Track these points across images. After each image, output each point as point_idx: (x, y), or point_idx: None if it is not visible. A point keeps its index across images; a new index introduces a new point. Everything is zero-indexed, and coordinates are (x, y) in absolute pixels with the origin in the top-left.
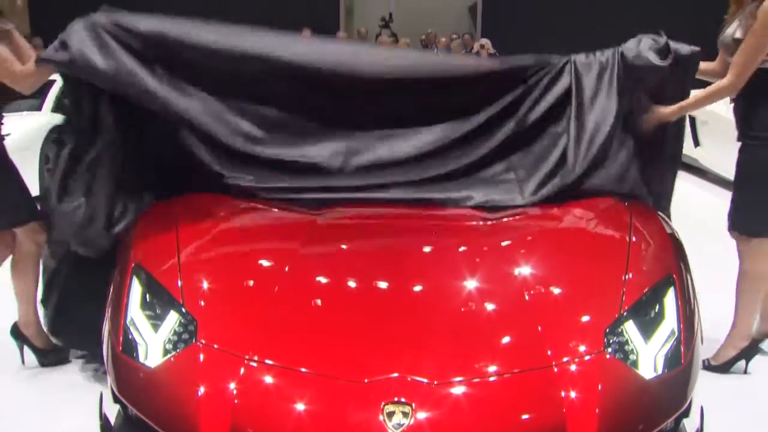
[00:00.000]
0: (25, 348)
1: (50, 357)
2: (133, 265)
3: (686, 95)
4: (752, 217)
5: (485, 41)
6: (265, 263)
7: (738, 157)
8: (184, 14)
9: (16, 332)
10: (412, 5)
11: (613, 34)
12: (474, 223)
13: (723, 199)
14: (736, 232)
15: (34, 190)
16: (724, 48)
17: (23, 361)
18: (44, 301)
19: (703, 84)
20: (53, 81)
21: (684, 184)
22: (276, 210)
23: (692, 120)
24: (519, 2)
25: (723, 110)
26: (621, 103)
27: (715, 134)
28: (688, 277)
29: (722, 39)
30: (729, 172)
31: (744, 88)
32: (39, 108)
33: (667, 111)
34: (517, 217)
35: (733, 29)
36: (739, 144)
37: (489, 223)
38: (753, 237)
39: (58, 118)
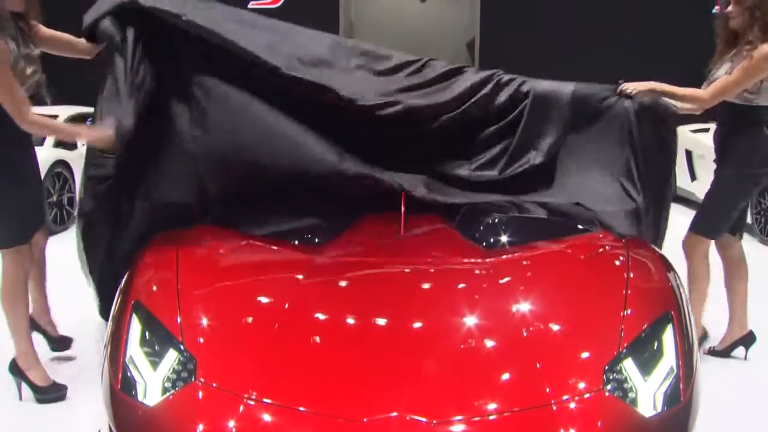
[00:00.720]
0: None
1: (48, 393)
2: (132, 302)
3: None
4: (710, 224)
5: None
6: (264, 300)
7: (714, 177)
8: None
9: (15, 369)
10: (410, 41)
11: (611, 70)
12: (472, 259)
13: None
14: (695, 233)
15: None
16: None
17: (20, 397)
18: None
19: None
20: (56, 116)
21: (681, 218)
22: (275, 247)
23: (689, 154)
24: (516, 38)
25: None
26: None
27: (711, 168)
28: (687, 313)
29: (713, 77)
30: None
31: (723, 121)
32: (41, 143)
33: (642, 85)
34: (515, 254)
35: (726, 69)
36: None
37: (488, 260)
38: (704, 237)
39: (60, 153)
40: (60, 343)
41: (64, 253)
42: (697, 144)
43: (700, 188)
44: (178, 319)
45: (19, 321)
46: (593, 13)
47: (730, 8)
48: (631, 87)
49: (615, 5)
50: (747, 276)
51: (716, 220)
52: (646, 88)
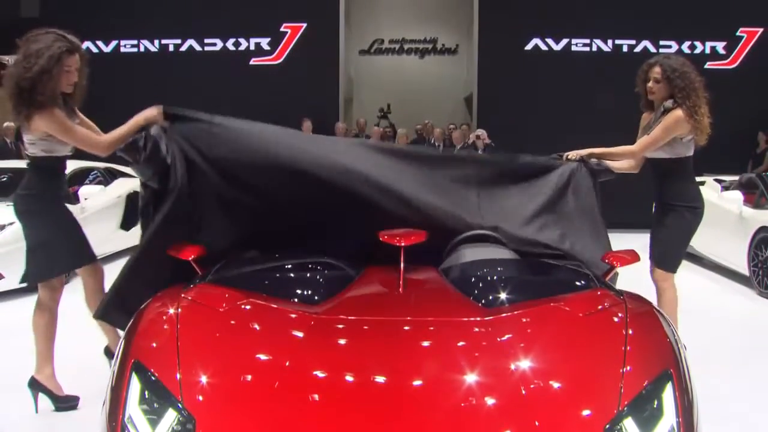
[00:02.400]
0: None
1: (64, 403)
2: (132, 360)
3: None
4: (665, 260)
5: (481, 132)
6: (264, 359)
7: (654, 216)
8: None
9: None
10: (409, 96)
11: (603, 122)
12: (471, 318)
13: (719, 285)
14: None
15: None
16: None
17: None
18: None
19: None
20: None
21: (679, 271)
22: (275, 305)
23: None
24: (514, 93)
25: (714, 197)
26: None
27: (708, 221)
28: (686, 370)
29: (641, 135)
30: (724, 257)
31: (660, 173)
32: None
33: (583, 152)
34: (513, 311)
35: (650, 128)
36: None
37: (486, 317)
38: (659, 269)
39: None
40: (64, 402)
41: (64, 306)
42: None
43: (697, 241)
44: (178, 378)
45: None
46: (587, 72)
47: (650, 84)
48: (572, 154)
49: (609, 64)
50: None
51: (678, 253)
52: (586, 153)
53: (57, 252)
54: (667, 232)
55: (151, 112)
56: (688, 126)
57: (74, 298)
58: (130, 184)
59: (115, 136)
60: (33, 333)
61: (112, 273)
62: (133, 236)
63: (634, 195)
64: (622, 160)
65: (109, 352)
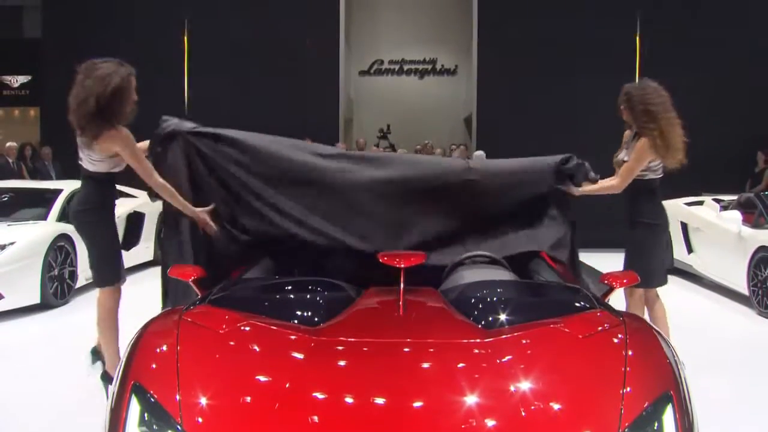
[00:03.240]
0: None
1: None
2: (132, 383)
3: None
4: (649, 274)
5: (480, 153)
6: (264, 382)
7: (628, 233)
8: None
9: (106, 377)
10: (408, 116)
11: (599, 142)
12: (471, 340)
13: (719, 304)
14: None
15: (35, 295)
16: (618, 166)
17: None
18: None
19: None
20: (60, 190)
21: (679, 290)
22: (275, 327)
23: (684, 226)
24: (513, 114)
25: (713, 217)
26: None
27: (707, 240)
28: (686, 391)
29: (616, 161)
30: (724, 277)
31: (628, 191)
32: (44, 217)
33: (574, 191)
34: (513, 333)
35: (622, 155)
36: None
37: (486, 339)
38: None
39: (63, 227)
40: None
41: (64, 327)
42: (692, 217)
43: (697, 261)
44: (178, 399)
45: (111, 340)
46: (584, 91)
47: (621, 108)
48: (574, 191)
49: (606, 86)
50: (644, 313)
51: (652, 269)
52: (578, 194)
53: (118, 260)
54: (635, 248)
55: (204, 218)
56: (654, 151)
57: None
58: (130, 204)
59: (167, 189)
60: (99, 333)
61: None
62: (134, 256)
63: (614, 215)
64: (607, 193)
65: (107, 377)
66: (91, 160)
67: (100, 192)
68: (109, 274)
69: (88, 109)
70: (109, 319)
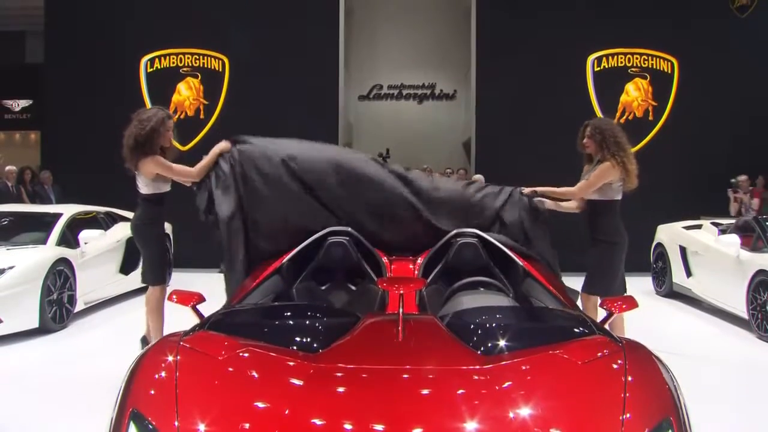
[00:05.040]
0: None
1: None
2: (131, 409)
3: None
4: (594, 285)
5: (479, 177)
6: (263, 408)
7: (590, 250)
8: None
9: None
10: (408, 141)
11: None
12: (470, 366)
13: (718, 328)
14: (586, 293)
15: (34, 319)
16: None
17: None
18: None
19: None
20: (60, 214)
21: (678, 314)
22: (275, 353)
23: (683, 250)
24: (512, 138)
25: (711, 241)
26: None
27: (706, 264)
28: (685, 417)
29: (581, 180)
30: (723, 301)
31: (592, 211)
32: (44, 241)
33: (532, 189)
34: (513, 359)
35: (587, 176)
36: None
37: (485, 366)
38: (592, 296)
39: (62, 251)
40: None
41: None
42: (691, 241)
43: (696, 285)
44: (176, 426)
45: (158, 330)
46: (585, 117)
47: (585, 140)
48: (527, 191)
49: (604, 108)
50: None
51: (608, 282)
52: (529, 191)
53: (164, 264)
54: (595, 263)
55: (224, 145)
56: (617, 173)
57: None
58: (129, 228)
59: (202, 165)
60: (149, 323)
61: (112, 317)
62: (133, 281)
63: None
64: (563, 197)
65: (144, 341)
66: (141, 185)
67: (151, 210)
68: (157, 275)
69: (130, 145)
70: (157, 311)
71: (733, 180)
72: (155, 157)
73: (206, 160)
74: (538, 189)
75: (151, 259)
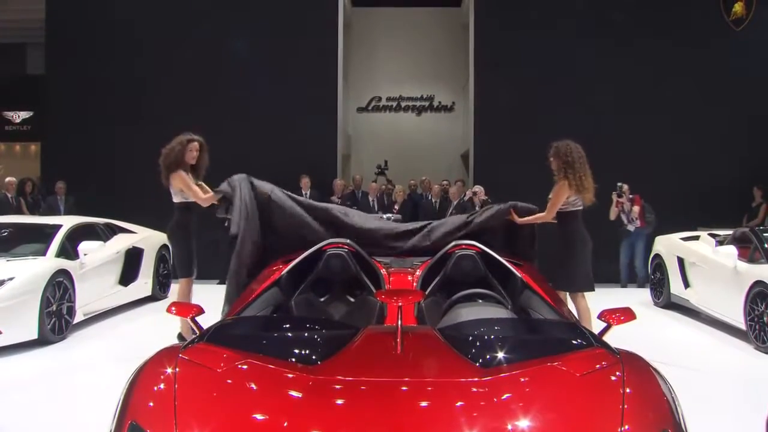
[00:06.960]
0: None
1: None
2: (129, 422)
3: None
4: (556, 279)
5: (478, 188)
6: (262, 421)
7: (556, 249)
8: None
9: (182, 338)
10: (406, 153)
11: (598, 177)
12: (469, 379)
13: (716, 339)
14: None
15: (33, 330)
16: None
17: None
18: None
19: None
20: (59, 226)
21: (676, 325)
22: (273, 366)
23: (680, 261)
24: (511, 150)
25: (709, 252)
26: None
27: (703, 275)
28: (684, 430)
29: (547, 199)
30: (720, 312)
31: (559, 221)
32: (44, 253)
33: (517, 219)
34: (511, 371)
35: (551, 194)
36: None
37: (484, 379)
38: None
39: (61, 263)
40: None
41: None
42: (688, 252)
43: (693, 296)
44: None
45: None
46: (582, 129)
47: (550, 159)
48: (519, 221)
49: (599, 122)
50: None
51: (572, 276)
52: (518, 221)
53: (192, 261)
54: (557, 259)
55: (213, 198)
56: (571, 191)
57: None
58: (129, 239)
59: (209, 197)
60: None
61: (111, 329)
62: (132, 292)
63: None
64: (539, 221)
65: (181, 338)
66: (173, 195)
67: (181, 216)
68: (185, 268)
69: (163, 163)
70: (186, 300)
71: (619, 184)
72: (180, 173)
73: (211, 195)
74: (519, 220)
75: (180, 256)
